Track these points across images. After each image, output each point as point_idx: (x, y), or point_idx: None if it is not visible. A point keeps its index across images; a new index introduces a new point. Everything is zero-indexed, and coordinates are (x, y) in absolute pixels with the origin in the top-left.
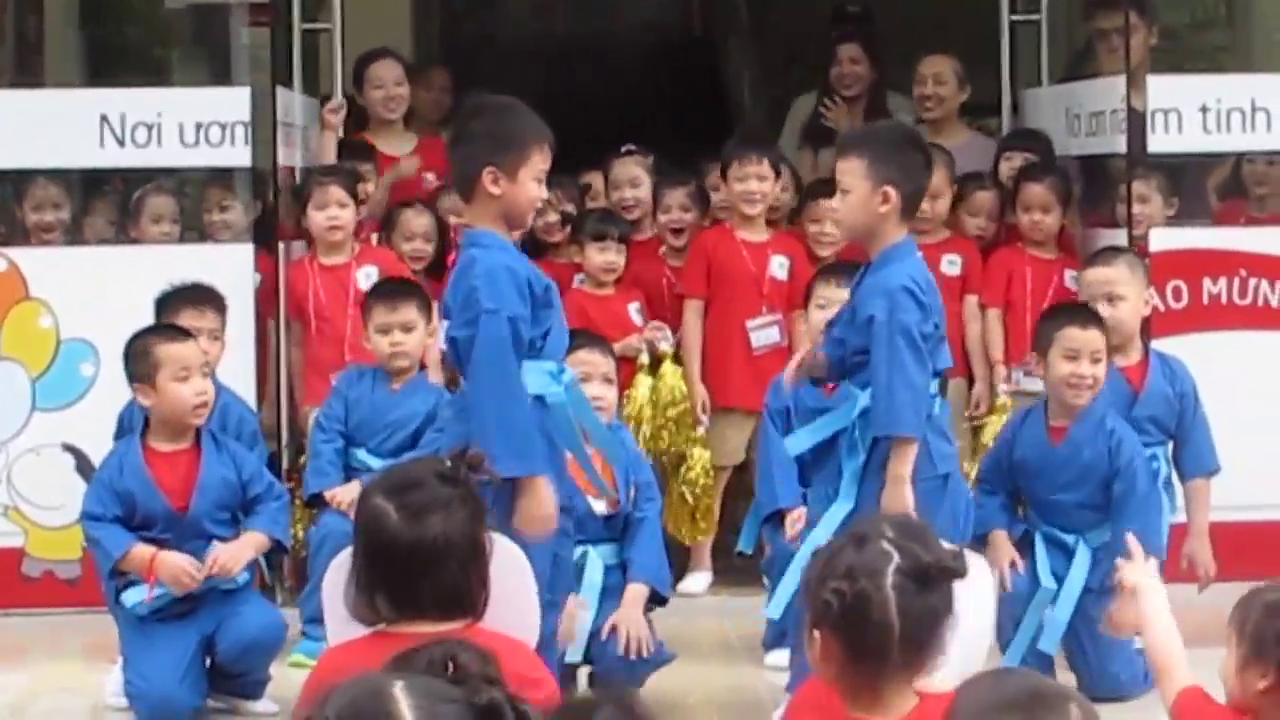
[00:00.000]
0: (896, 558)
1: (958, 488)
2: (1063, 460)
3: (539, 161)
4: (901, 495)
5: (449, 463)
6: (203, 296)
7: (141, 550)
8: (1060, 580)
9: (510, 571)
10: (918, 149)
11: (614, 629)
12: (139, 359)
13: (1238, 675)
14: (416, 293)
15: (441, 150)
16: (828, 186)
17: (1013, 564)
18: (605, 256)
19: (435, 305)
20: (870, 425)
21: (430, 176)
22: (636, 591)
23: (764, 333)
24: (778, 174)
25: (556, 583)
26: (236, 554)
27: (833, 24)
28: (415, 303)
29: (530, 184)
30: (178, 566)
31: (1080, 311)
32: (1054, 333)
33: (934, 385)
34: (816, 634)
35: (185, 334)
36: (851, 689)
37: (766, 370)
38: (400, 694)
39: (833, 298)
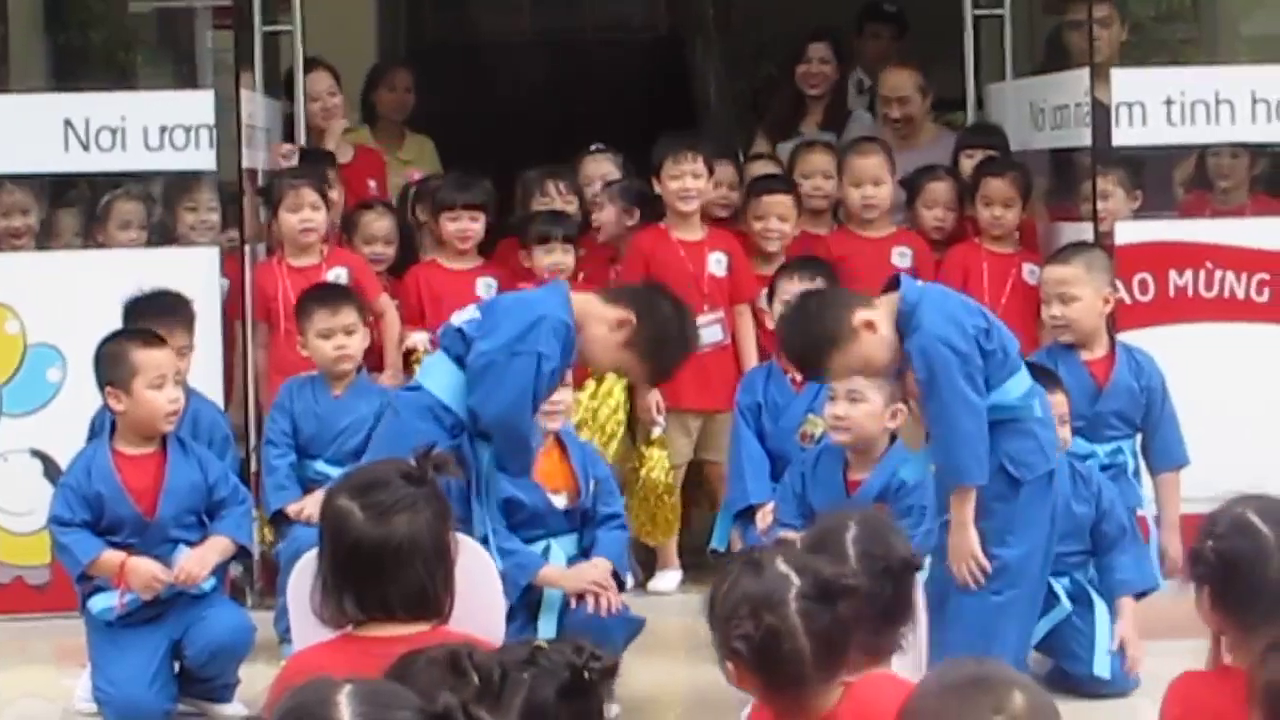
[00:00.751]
0: (796, 581)
1: (1056, 488)
2: None
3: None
4: (967, 540)
5: (414, 463)
6: (169, 310)
7: (111, 556)
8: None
9: (475, 572)
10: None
11: (580, 599)
12: (113, 363)
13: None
14: (352, 296)
15: (379, 160)
16: (773, 182)
17: None
18: (551, 257)
19: (395, 303)
20: (938, 483)
21: (373, 184)
22: (600, 562)
23: (707, 331)
24: (712, 173)
25: None
26: (201, 560)
27: (864, 20)
28: (353, 305)
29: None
30: (148, 572)
31: (1045, 375)
32: None
33: (1023, 381)
34: (730, 665)
35: (161, 340)
36: (776, 707)
37: (711, 369)
38: (344, 700)
39: (796, 292)
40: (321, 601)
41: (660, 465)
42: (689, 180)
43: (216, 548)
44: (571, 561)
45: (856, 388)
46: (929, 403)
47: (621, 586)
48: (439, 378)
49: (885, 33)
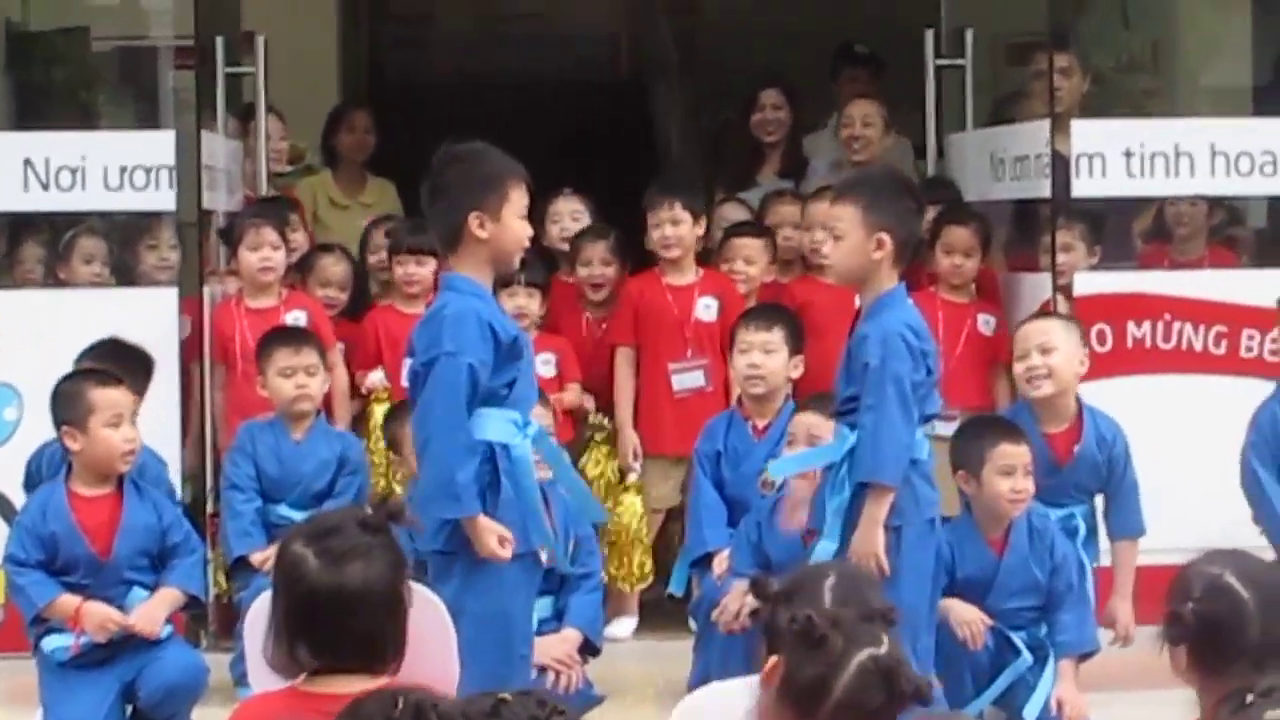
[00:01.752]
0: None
1: (939, 535)
2: (1010, 570)
3: (519, 199)
4: (873, 538)
5: (370, 510)
6: (123, 359)
7: (67, 600)
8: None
9: (430, 622)
10: (911, 195)
11: (542, 669)
12: (70, 402)
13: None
14: (313, 338)
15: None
16: (743, 226)
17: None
18: (514, 301)
19: (342, 348)
20: (854, 468)
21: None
22: (569, 635)
23: (687, 376)
24: (696, 216)
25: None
26: (151, 616)
27: (838, 64)
28: (315, 346)
29: (515, 222)
30: (102, 615)
31: (1008, 426)
32: (987, 450)
33: (921, 431)
34: None
35: (118, 380)
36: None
37: (693, 414)
38: None
39: (754, 342)
40: (274, 648)
41: (632, 510)
42: (668, 229)
43: (166, 600)
44: (545, 624)
45: (819, 434)
46: (868, 392)
47: (596, 653)
48: None
49: (862, 75)
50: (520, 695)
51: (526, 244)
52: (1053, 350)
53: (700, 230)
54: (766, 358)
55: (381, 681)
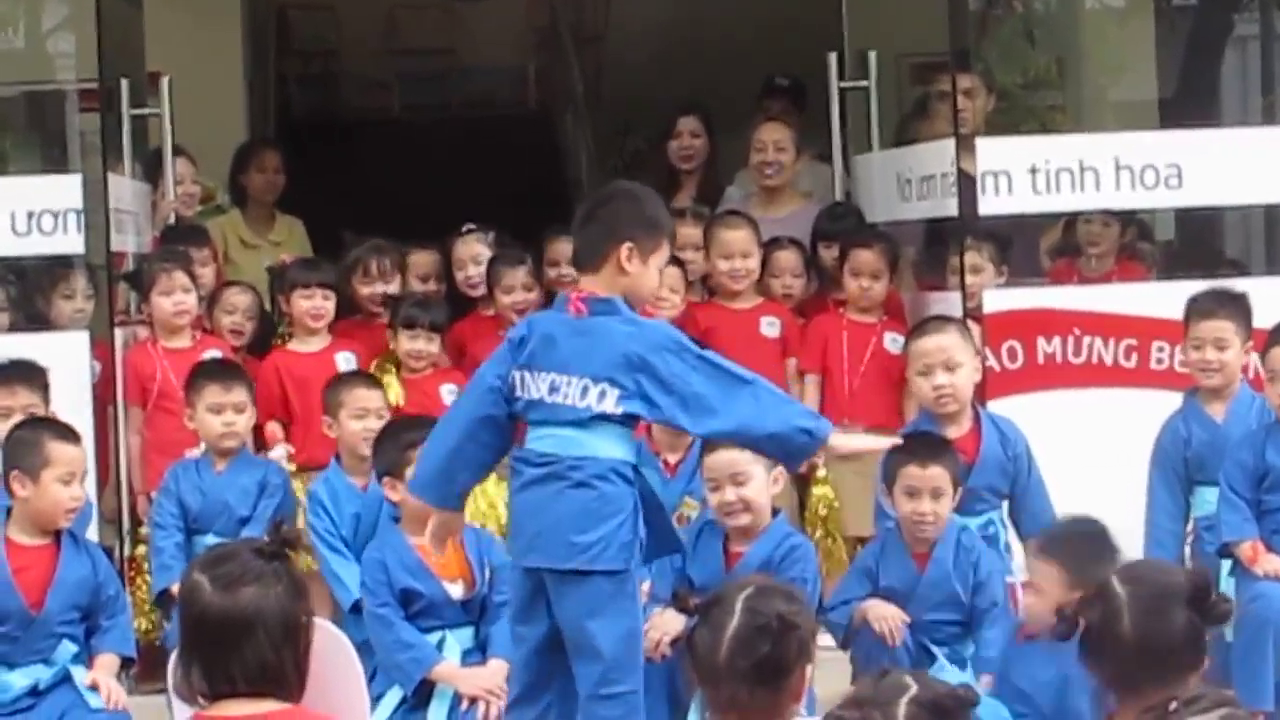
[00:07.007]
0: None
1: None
2: (932, 584)
3: (664, 254)
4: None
5: (267, 538)
6: (24, 375)
7: None
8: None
9: (336, 657)
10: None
11: (472, 701)
12: (26, 450)
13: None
14: (244, 375)
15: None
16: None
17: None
18: (415, 344)
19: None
20: None
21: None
22: (497, 665)
23: None
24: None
25: None
26: (111, 690)
27: (761, 96)
28: (244, 384)
29: (655, 271)
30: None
31: (924, 448)
32: (898, 469)
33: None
34: None
35: (77, 436)
36: None
37: None
38: None
39: None
40: (179, 675)
41: None
42: None
43: (112, 669)
44: (467, 654)
45: (739, 470)
46: None
47: None
48: None
49: (774, 106)
50: None
51: (652, 298)
52: (957, 367)
53: None
54: None
55: (282, 709)
